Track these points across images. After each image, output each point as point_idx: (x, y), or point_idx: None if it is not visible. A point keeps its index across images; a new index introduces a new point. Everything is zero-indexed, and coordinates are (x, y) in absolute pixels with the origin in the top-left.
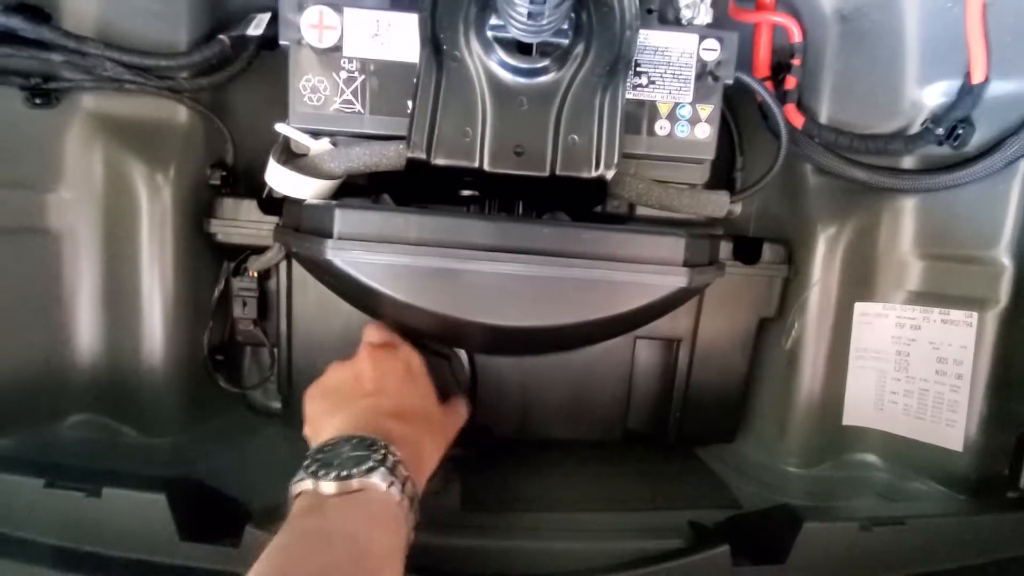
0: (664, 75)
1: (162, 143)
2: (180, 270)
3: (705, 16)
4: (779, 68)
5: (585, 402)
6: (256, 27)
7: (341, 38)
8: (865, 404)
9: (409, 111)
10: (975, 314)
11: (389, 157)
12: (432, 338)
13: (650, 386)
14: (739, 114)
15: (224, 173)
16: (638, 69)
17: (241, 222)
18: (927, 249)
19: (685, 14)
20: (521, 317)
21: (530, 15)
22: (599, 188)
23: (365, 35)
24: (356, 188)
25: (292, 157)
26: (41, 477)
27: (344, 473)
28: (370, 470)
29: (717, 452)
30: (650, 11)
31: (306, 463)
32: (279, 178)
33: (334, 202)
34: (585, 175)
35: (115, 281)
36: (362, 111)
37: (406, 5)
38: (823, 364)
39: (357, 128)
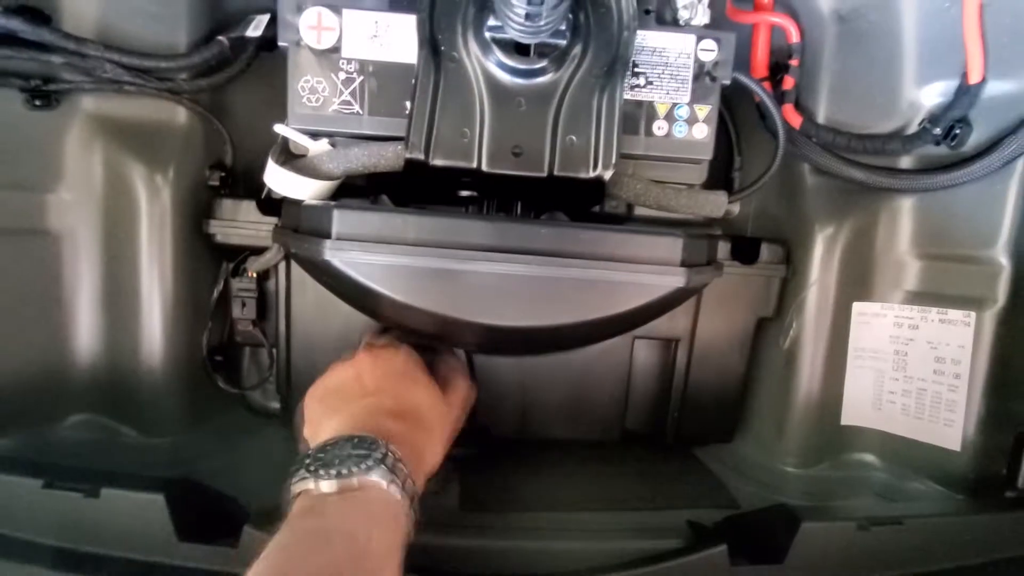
0: (662, 75)
1: (161, 144)
2: (179, 271)
3: (702, 17)
4: (777, 68)
5: (584, 402)
6: (255, 28)
7: (340, 39)
8: (863, 404)
9: (407, 112)
10: (973, 314)
11: (387, 158)
12: (431, 339)
13: (648, 386)
14: (737, 114)
15: (223, 174)
16: (636, 70)
17: (240, 223)
18: (925, 249)
19: (683, 15)
20: (519, 317)
21: (528, 16)
22: (597, 188)
23: (363, 36)
24: (355, 189)
25: (291, 158)
26: (39, 477)
27: (344, 471)
28: (369, 468)
29: (715, 452)
30: (648, 12)
31: (306, 462)
32: (278, 179)
33: (332, 203)
34: (583, 175)
35: (115, 282)
36: (361, 112)
37: (404, 6)
38: (821, 364)
39: (356, 129)
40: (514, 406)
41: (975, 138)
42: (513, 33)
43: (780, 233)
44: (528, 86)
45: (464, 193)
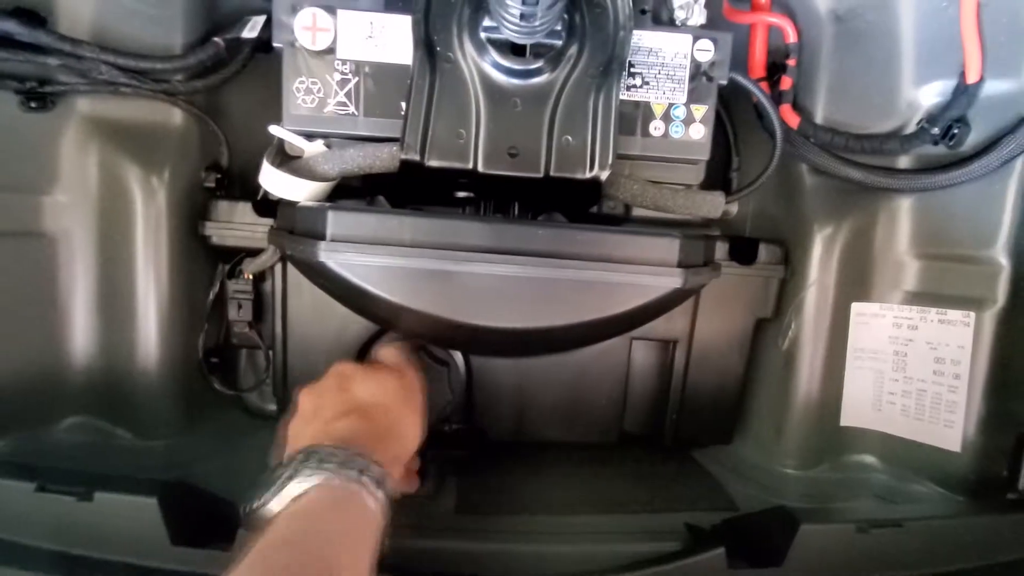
0: (658, 76)
1: (157, 146)
2: (175, 272)
3: (699, 17)
4: (774, 68)
5: (581, 404)
6: (251, 30)
7: (335, 40)
8: (863, 405)
9: (403, 113)
10: (972, 314)
11: (383, 159)
12: (426, 341)
13: (646, 388)
14: (735, 115)
15: (219, 175)
16: (632, 70)
17: (236, 224)
18: (924, 249)
19: (679, 15)
20: (516, 319)
21: (523, 16)
22: (593, 189)
23: (359, 37)
24: (351, 190)
25: (286, 159)
26: (33, 481)
27: (280, 486)
28: (290, 477)
29: (714, 454)
30: (644, 12)
31: (252, 495)
32: (273, 180)
33: (327, 204)
34: (579, 176)
35: (110, 284)
36: (356, 113)
37: (399, 7)
38: (820, 365)
39: (351, 130)
40: (511, 408)
41: (973, 138)
42: (508, 33)
43: (778, 233)
44: (524, 86)
45: (461, 194)
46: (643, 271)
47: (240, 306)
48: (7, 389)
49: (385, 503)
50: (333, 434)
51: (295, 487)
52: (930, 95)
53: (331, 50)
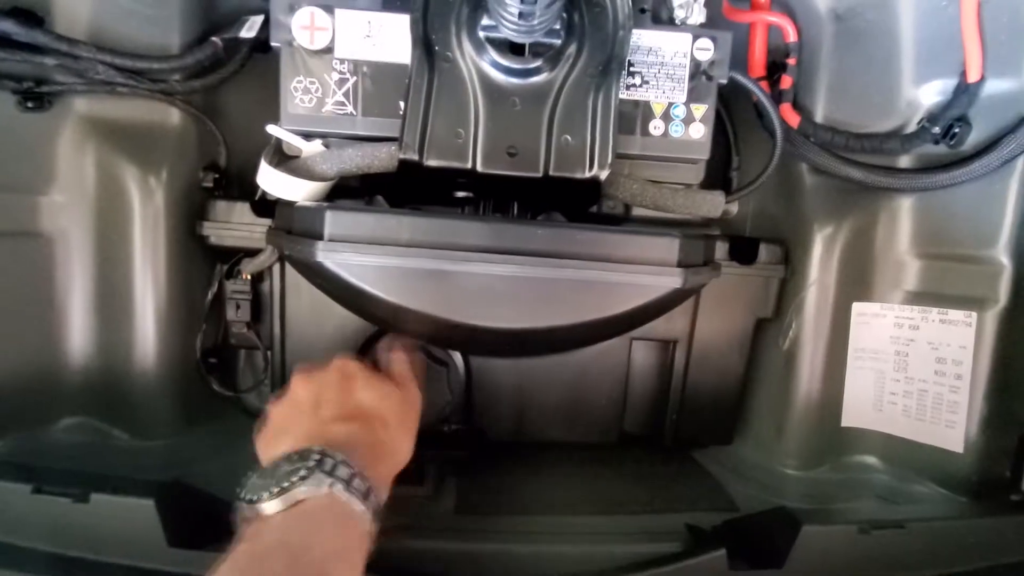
0: (658, 75)
1: (154, 146)
2: (173, 273)
3: (699, 16)
4: (774, 67)
5: (581, 404)
6: (249, 30)
7: (332, 39)
8: (864, 405)
9: (401, 112)
10: (974, 314)
11: (381, 158)
12: (425, 341)
13: (646, 388)
14: (735, 114)
15: (217, 175)
16: (631, 69)
17: (234, 224)
18: (925, 248)
19: (678, 14)
20: (515, 319)
21: (521, 15)
22: (593, 189)
23: (357, 36)
24: (350, 190)
25: (284, 159)
26: (29, 482)
27: (279, 489)
28: (303, 479)
29: (714, 454)
30: (643, 11)
31: (244, 490)
32: (271, 180)
33: (325, 203)
34: (579, 176)
35: (108, 284)
36: (354, 112)
37: (398, 6)
38: (821, 365)
39: (349, 130)
40: (510, 408)
41: (974, 137)
42: (507, 32)
43: (779, 233)
44: (523, 86)
45: (460, 194)
46: (643, 271)
47: (238, 306)
48: (4, 389)
49: (375, 528)
50: (331, 437)
51: (301, 491)
52: (931, 94)
53: (329, 49)
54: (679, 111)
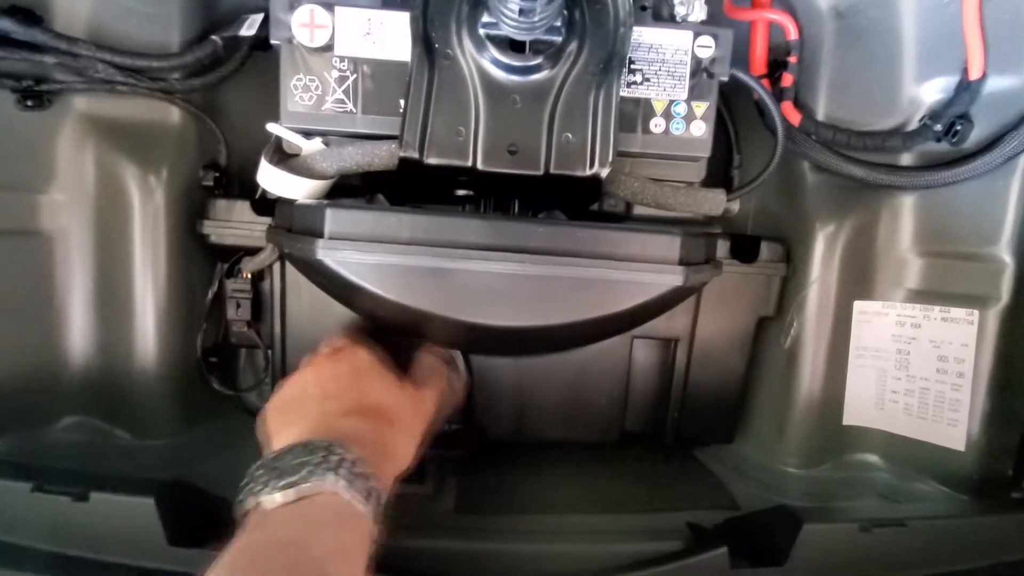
0: (659, 72)
1: (154, 144)
2: (173, 271)
3: (700, 13)
4: (776, 65)
5: (582, 403)
6: (249, 28)
7: (332, 37)
8: (865, 403)
9: (401, 110)
10: (976, 312)
11: (381, 157)
12: (426, 339)
13: (648, 386)
14: (736, 112)
15: (217, 174)
16: (632, 66)
17: (234, 223)
18: (927, 246)
19: (679, 11)
20: (515, 317)
21: (522, 12)
22: (594, 186)
23: (357, 34)
24: (350, 189)
25: (284, 157)
26: (29, 481)
27: (284, 483)
28: (312, 473)
29: (715, 453)
30: (644, 8)
31: (257, 474)
32: (271, 178)
33: (325, 202)
34: (579, 173)
35: (108, 283)
36: (354, 110)
37: (398, 3)
38: (822, 363)
39: (349, 128)
40: (511, 407)
41: (976, 134)
42: (507, 30)
43: (780, 231)
44: (523, 83)
45: (461, 192)
46: (644, 269)
47: (239, 305)
48: (4, 388)
49: (376, 530)
50: (337, 429)
51: (304, 487)
52: (932, 91)
53: (329, 47)
54: (680, 109)
